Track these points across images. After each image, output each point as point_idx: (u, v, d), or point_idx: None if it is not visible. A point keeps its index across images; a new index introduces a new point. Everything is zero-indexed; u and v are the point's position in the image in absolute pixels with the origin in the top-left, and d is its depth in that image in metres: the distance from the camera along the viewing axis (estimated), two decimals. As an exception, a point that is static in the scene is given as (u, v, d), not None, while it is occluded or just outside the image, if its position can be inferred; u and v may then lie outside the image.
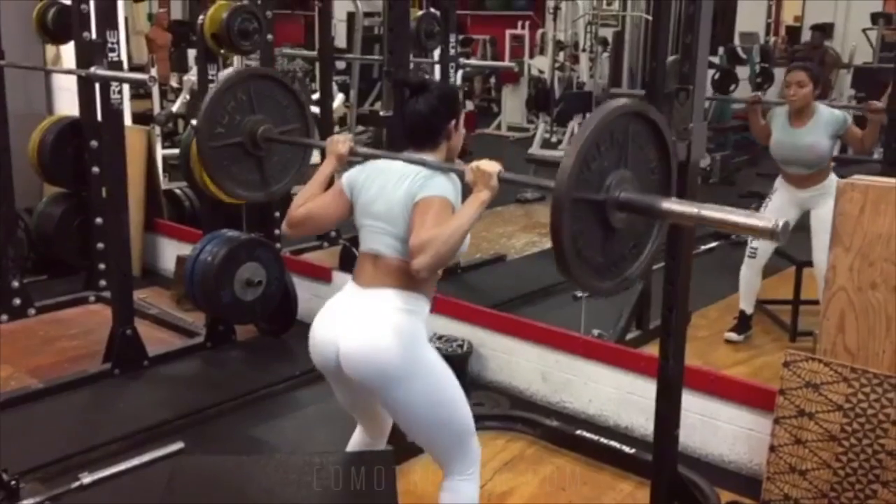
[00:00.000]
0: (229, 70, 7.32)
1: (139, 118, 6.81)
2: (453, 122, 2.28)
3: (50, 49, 5.48)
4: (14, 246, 4.52)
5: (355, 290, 2.23)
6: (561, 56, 10.20)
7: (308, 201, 2.36)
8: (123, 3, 4.70)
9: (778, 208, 4.19)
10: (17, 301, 4.50)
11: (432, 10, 4.77)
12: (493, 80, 12.16)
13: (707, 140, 8.84)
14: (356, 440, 2.55)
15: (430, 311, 2.25)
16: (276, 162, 3.03)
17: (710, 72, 10.02)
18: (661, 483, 2.45)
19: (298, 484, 2.20)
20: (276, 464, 2.37)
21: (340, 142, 2.48)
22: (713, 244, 6.07)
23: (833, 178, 4.06)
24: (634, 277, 2.06)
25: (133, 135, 5.21)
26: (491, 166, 2.07)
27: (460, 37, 12.38)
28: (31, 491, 2.89)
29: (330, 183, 2.44)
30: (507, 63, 10.17)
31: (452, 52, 4.76)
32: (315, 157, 3.37)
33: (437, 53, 5.20)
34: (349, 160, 2.48)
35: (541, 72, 10.65)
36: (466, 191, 2.15)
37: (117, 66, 3.62)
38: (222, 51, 3.81)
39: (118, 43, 3.62)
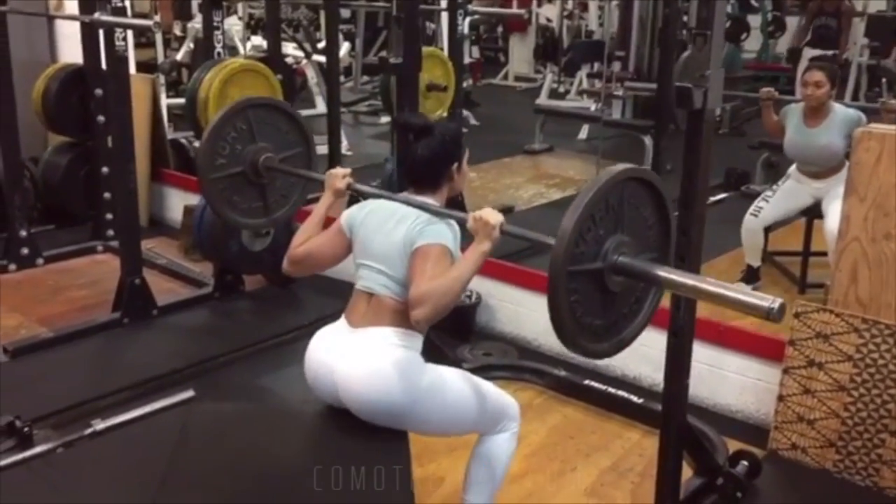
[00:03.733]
0: (232, 19, 7.22)
1: (143, 67, 6.72)
2: (455, 165, 2.27)
3: (53, -5, 5.41)
4: (21, 195, 4.50)
5: (348, 331, 2.22)
6: (570, 4, 10.04)
7: (308, 239, 2.37)
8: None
9: (793, 189, 4.22)
10: (25, 250, 4.50)
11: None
12: (500, 29, 11.98)
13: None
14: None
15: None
16: (279, 188, 3.01)
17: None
18: (671, 431, 2.45)
19: (310, 433, 2.21)
20: (287, 412, 2.40)
21: (339, 177, 2.48)
22: (722, 195, 6.03)
23: (847, 168, 4.05)
24: (633, 337, 2.04)
25: (138, 83, 5.14)
26: (494, 217, 2.03)
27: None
28: (44, 437, 2.91)
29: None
30: (516, 10, 10.01)
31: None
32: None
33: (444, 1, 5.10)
34: (348, 192, 2.50)
35: (549, 20, 10.50)
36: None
37: (121, 11, 3.57)
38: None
39: (122, -12, 3.56)
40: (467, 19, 8.79)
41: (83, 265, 4.66)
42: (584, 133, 7.73)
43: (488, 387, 2.29)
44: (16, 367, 3.47)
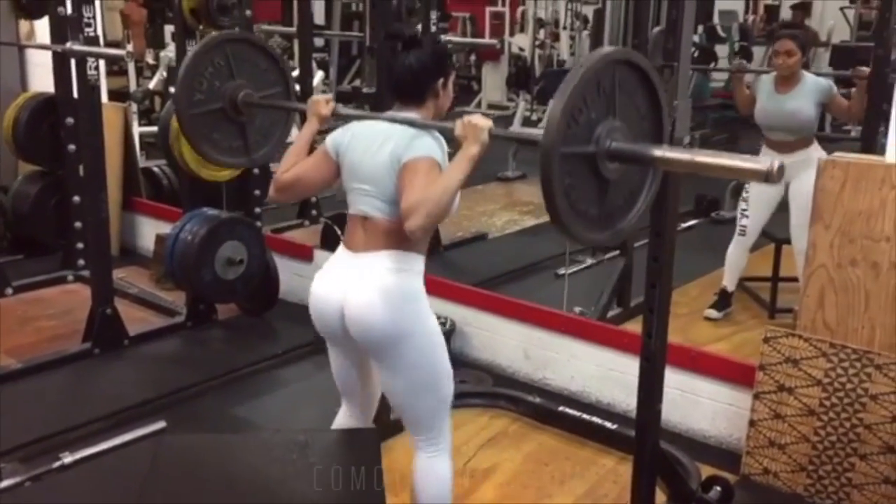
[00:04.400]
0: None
1: (115, 95, 6.71)
2: (442, 80, 2.24)
3: (24, 24, 5.39)
4: (-11, 225, 4.46)
5: (348, 256, 2.22)
6: (542, 34, 10.16)
7: (294, 165, 2.33)
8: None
9: (762, 193, 4.21)
10: (-6, 281, 4.46)
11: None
12: (473, 57, 12.09)
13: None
14: (340, 420, 2.54)
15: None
16: (259, 127, 2.96)
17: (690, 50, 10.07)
18: (644, 457, 2.46)
19: (283, 462, 2.19)
20: (260, 442, 2.37)
21: (322, 102, 2.43)
22: (692, 222, 6.11)
23: (816, 148, 4.08)
24: (630, 227, 2.02)
25: (109, 112, 5.13)
26: (482, 121, 2.02)
27: (439, 13, 12.29)
28: (12, 471, 2.85)
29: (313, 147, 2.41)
30: (488, 40, 10.11)
31: (434, 28, 4.73)
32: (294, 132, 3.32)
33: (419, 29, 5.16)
34: (332, 121, 2.44)
35: (521, 49, 10.61)
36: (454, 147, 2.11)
37: (93, 41, 3.56)
38: (200, 27, 3.75)
39: (94, 18, 3.56)
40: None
41: (53, 295, 4.61)
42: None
43: (451, 376, 2.29)
44: (-17, 400, 3.42)
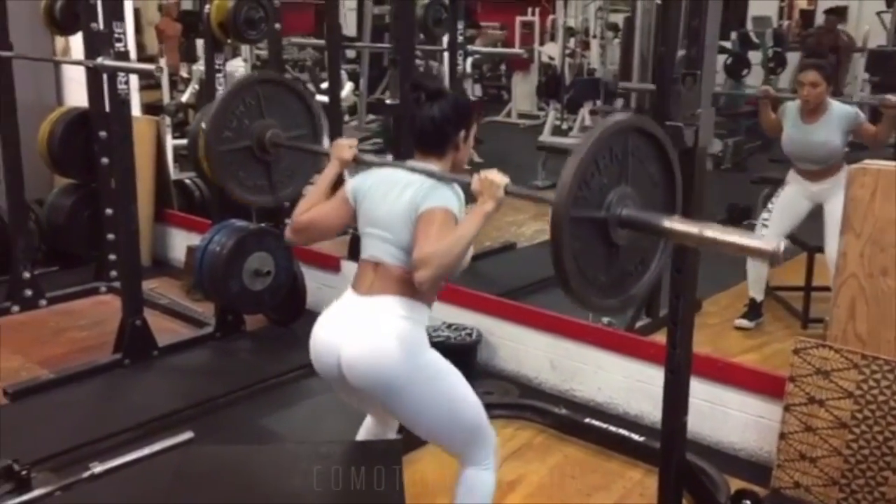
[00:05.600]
0: (236, 61, 7.33)
1: (150, 109, 6.82)
2: (463, 132, 2.26)
3: (59, 40, 5.49)
4: (25, 237, 4.53)
5: (355, 299, 2.22)
6: (571, 43, 10.14)
7: (312, 207, 2.36)
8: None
9: (790, 199, 4.18)
10: (29, 292, 4.52)
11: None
12: (503, 67, 12.09)
13: (719, 126, 8.68)
14: (366, 428, 2.55)
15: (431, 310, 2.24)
16: (285, 167, 3.00)
17: (722, 57, 9.98)
18: (669, 470, 2.43)
19: (305, 474, 2.19)
20: (283, 453, 2.38)
21: (345, 147, 2.48)
22: (725, 231, 6.02)
23: (846, 171, 4.02)
24: (641, 294, 2.03)
25: (142, 125, 5.22)
26: (499, 177, 2.03)
27: (465, 23, 12.32)
28: (43, 481, 2.88)
29: (336, 186, 2.43)
30: (515, 50, 10.12)
31: (460, 38, 4.73)
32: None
33: (445, 40, 5.17)
34: (353, 166, 2.48)
35: (551, 59, 10.60)
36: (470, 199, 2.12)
37: (124, 56, 3.62)
38: (229, 40, 3.80)
39: (125, 33, 3.62)
40: (469, 59, 8.89)
41: (86, 306, 4.68)
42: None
43: (478, 401, 2.26)
44: (16, 410, 3.48)
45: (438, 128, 2.22)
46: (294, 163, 3.03)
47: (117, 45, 3.58)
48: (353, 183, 2.32)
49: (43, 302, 4.59)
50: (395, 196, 2.19)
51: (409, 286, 2.11)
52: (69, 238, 4.85)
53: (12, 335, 4.25)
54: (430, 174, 2.18)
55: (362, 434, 2.54)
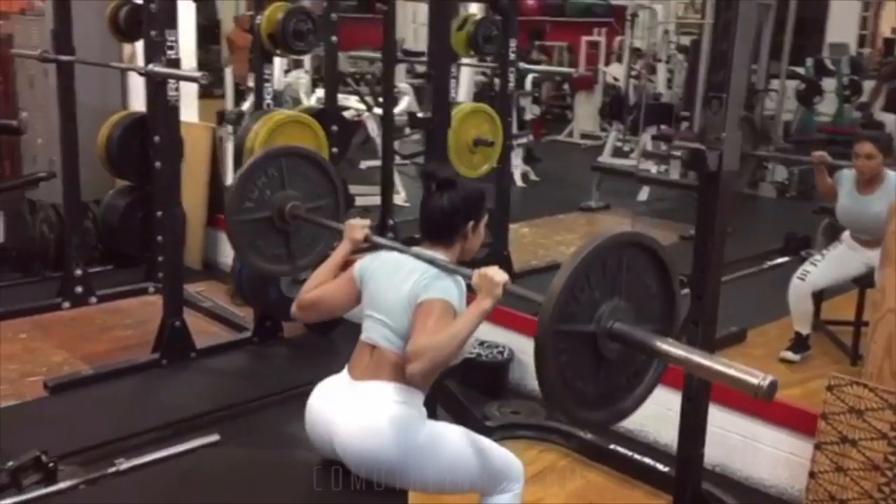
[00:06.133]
0: (298, 73, 7.40)
1: (221, 117, 7.01)
2: (472, 223, 2.27)
3: (127, 47, 5.67)
4: (79, 236, 4.67)
5: (349, 383, 2.22)
6: (638, 64, 10.03)
7: (319, 285, 2.38)
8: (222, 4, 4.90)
9: (842, 258, 4.11)
10: (80, 289, 4.66)
11: (492, 14, 4.76)
12: (566, 86, 12.03)
13: (789, 152, 8.45)
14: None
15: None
16: (305, 236, 3.03)
17: (794, 83, 9.74)
18: (683, 502, 2.37)
19: (307, 482, 2.20)
20: (291, 461, 2.39)
21: (357, 228, 2.51)
22: (780, 260, 5.88)
23: None
24: (632, 409, 1.99)
25: (198, 131, 5.36)
26: (498, 275, 2.01)
27: (536, 43, 12.31)
28: (70, 473, 2.96)
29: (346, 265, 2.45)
30: (566, 69, 10.10)
31: (512, 56, 4.72)
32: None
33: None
34: (364, 246, 2.52)
35: (615, 80, 10.50)
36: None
37: (175, 63, 3.71)
38: (278, 51, 3.87)
39: (177, 41, 3.71)
40: (529, 76, 8.87)
41: (133, 306, 4.79)
42: (644, 194, 7.66)
43: (490, 445, 2.25)
44: (53, 403, 3.58)
45: (447, 218, 2.23)
46: (314, 232, 3.06)
47: (169, 52, 3.67)
48: (359, 264, 2.35)
49: (93, 299, 4.72)
50: (398, 282, 2.19)
51: (403, 372, 2.09)
52: (122, 238, 4.98)
53: (61, 330, 4.39)
54: (434, 263, 2.19)
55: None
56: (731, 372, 1.69)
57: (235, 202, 2.87)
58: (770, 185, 8.32)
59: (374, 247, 2.47)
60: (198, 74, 3.37)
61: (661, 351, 1.81)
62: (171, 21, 3.69)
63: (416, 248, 2.29)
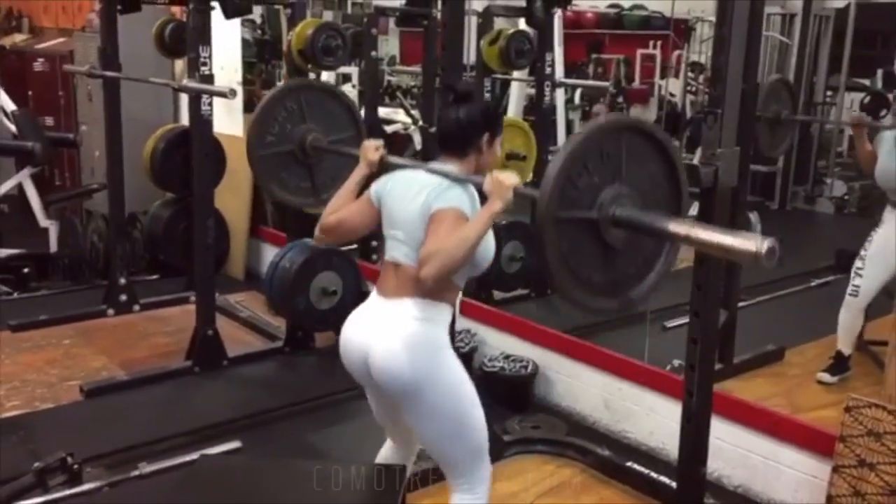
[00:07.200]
0: (345, 87, 7.51)
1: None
2: (487, 136, 2.26)
3: (178, 63, 5.86)
4: (123, 246, 4.82)
5: (377, 301, 2.26)
6: (698, 79, 9.87)
7: (340, 208, 2.41)
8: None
9: (885, 242, 3.90)
10: (124, 297, 4.81)
11: (526, 28, 4.76)
12: (620, 99, 11.90)
13: (846, 167, 8.18)
14: (383, 454, 2.57)
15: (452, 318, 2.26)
16: (327, 169, 3.06)
17: (860, 95, 9.46)
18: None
19: (302, 491, 2.24)
20: (293, 470, 2.42)
21: (371, 149, 2.51)
22: (830, 277, 5.70)
23: None
24: (645, 296, 1.97)
25: (242, 144, 5.46)
26: (509, 178, 2.03)
27: (594, 56, 12.20)
28: (94, 475, 3.06)
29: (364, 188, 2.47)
30: (601, 83, 10.08)
31: (549, 70, 4.71)
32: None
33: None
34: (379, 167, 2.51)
35: (672, 95, 10.35)
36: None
37: (208, 79, 3.81)
38: (309, 66, 3.94)
39: (210, 57, 3.81)
40: (560, 90, 8.80)
41: (174, 314, 4.92)
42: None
43: (483, 425, 2.26)
44: (87, 407, 3.71)
45: (463, 130, 2.24)
46: (336, 165, 3.07)
47: (202, 68, 3.78)
48: (376, 185, 2.36)
49: (136, 307, 4.86)
50: (412, 197, 2.21)
51: (428, 286, 2.11)
52: (165, 248, 5.12)
53: (103, 336, 4.53)
54: (446, 175, 2.20)
55: (380, 460, 2.56)
56: (729, 240, 1.67)
57: (257, 137, 2.90)
58: (828, 201, 8.09)
59: (390, 167, 2.47)
60: (226, 90, 3.45)
61: (661, 229, 1.79)
62: (205, 38, 3.79)
63: (430, 164, 2.31)
